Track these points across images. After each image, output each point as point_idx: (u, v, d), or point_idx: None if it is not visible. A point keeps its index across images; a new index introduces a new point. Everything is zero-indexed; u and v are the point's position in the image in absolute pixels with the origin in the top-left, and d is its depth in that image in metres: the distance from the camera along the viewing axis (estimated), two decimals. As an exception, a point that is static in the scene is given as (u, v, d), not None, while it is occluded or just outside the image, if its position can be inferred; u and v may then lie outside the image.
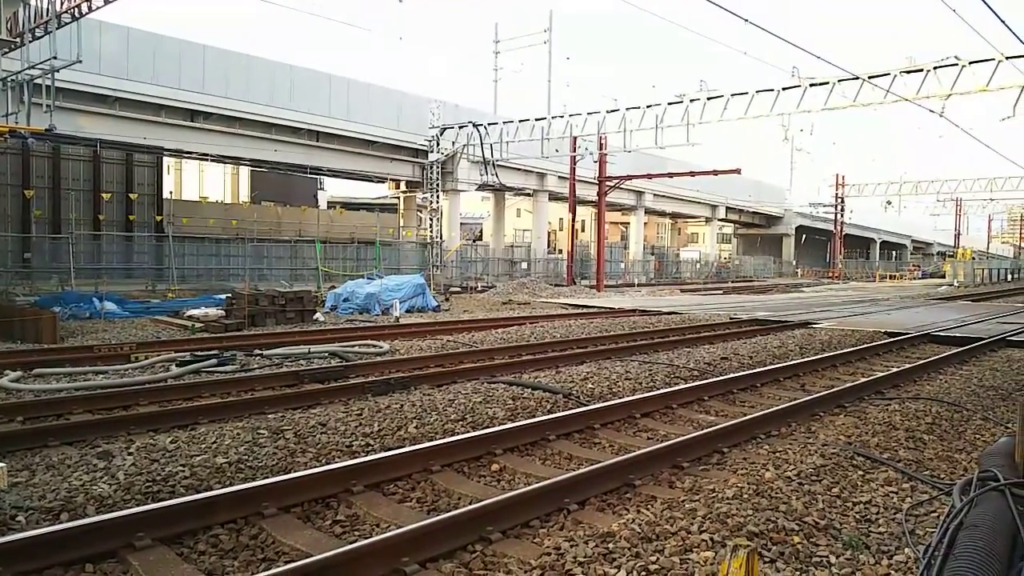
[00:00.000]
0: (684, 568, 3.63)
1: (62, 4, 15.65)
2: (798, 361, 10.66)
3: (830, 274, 59.36)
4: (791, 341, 13.10)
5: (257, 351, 10.55)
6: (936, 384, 9.15)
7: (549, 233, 47.83)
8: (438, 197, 31.39)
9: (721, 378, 8.93)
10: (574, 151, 30.60)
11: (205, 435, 5.81)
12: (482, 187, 36.06)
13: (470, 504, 4.52)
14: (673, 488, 5.08)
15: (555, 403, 7.58)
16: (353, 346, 11.41)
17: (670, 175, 38.63)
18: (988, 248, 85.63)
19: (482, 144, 29.30)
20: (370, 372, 9.38)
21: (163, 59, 25.27)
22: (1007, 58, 18.88)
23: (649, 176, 37.79)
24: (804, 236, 68.81)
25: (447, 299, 23.92)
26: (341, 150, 31.60)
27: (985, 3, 10.59)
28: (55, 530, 3.81)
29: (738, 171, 33.47)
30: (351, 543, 3.97)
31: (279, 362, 10.11)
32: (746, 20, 11.99)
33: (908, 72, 20.96)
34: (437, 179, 30.94)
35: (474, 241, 47.18)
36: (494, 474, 5.49)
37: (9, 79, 17.55)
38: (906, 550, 4.01)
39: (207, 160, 34.62)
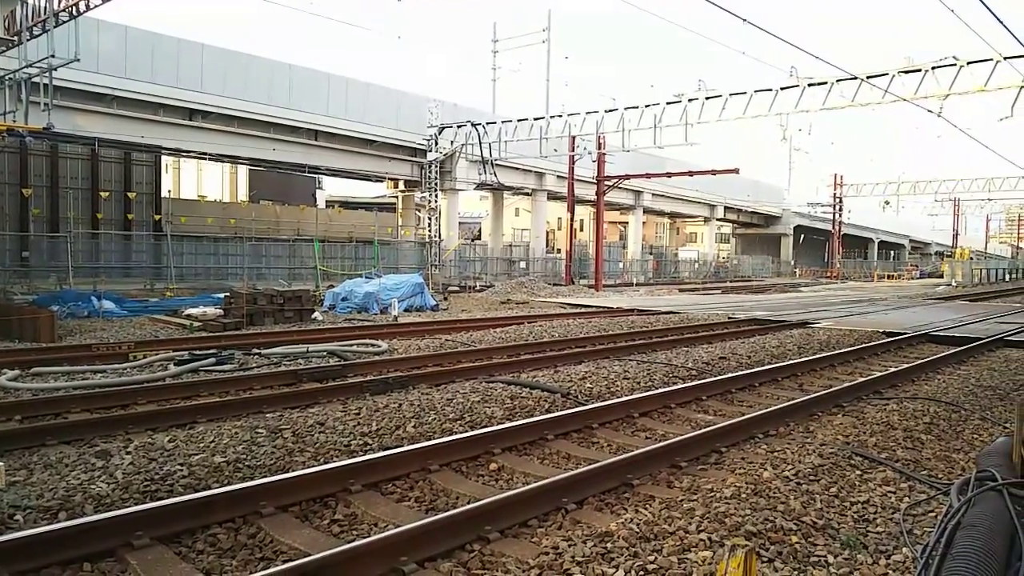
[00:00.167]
0: (682, 568, 3.63)
1: (60, 2, 15.57)
2: (796, 361, 10.67)
3: (828, 274, 59.41)
4: (789, 341, 13.12)
5: (255, 350, 10.54)
6: (934, 384, 9.16)
7: (547, 232, 47.83)
8: (436, 196, 31.35)
9: (719, 378, 8.94)
10: (572, 151, 30.59)
11: (203, 434, 5.81)
12: (480, 186, 36.07)
13: (468, 503, 4.52)
14: (671, 488, 5.08)
15: (553, 402, 7.58)
16: (351, 345, 11.39)
17: (668, 175, 38.58)
18: (986, 248, 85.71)
19: (480, 143, 29.25)
20: (368, 371, 9.37)
21: (161, 58, 25.19)
22: (1005, 58, 18.89)
23: (647, 176, 37.81)
24: (802, 236, 68.87)
25: (445, 298, 23.92)
26: (340, 149, 31.55)
27: (983, 3, 10.61)
28: (53, 529, 3.81)
29: (736, 171, 33.47)
30: (349, 542, 3.97)
31: (277, 361, 10.10)
32: (744, 20, 12.00)
33: (906, 72, 20.95)
34: (435, 178, 30.90)
35: (472, 240, 47.09)
36: (492, 473, 5.49)
37: (7, 77, 17.52)
38: (904, 550, 4.01)
39: (205, 159, 34.53)
